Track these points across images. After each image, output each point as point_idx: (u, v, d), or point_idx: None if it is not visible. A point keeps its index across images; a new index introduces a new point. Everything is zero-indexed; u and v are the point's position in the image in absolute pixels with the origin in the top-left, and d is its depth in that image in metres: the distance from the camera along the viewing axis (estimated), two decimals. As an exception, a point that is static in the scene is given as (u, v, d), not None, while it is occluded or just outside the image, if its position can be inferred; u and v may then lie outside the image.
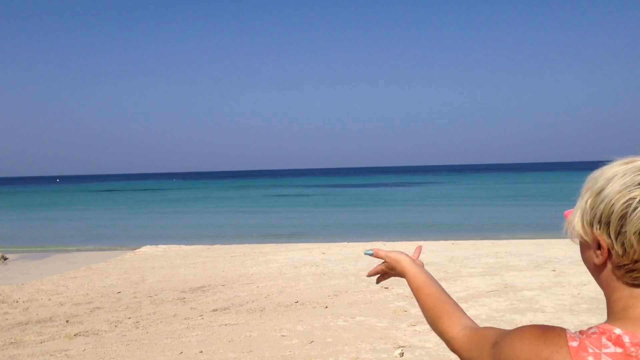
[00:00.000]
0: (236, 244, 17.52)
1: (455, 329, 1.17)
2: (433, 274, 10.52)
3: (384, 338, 6.33)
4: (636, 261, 0.89)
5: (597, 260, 0.94)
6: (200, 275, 11.34)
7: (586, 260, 0.99)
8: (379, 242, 16.15)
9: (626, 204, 0.88)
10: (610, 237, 0.90)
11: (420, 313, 7.56)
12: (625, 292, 0.91)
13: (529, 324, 1.02)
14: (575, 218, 0.97)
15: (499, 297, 8.19)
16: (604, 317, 1.02)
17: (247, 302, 8.56)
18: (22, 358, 6.20)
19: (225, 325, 7.22)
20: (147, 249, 16.31)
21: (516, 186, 56.50)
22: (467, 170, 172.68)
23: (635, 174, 0.90)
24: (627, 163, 0.93)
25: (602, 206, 0.91)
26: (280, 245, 16.52)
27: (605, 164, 0.96)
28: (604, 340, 0.88)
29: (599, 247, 0.93)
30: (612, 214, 0.90)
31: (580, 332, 0.92)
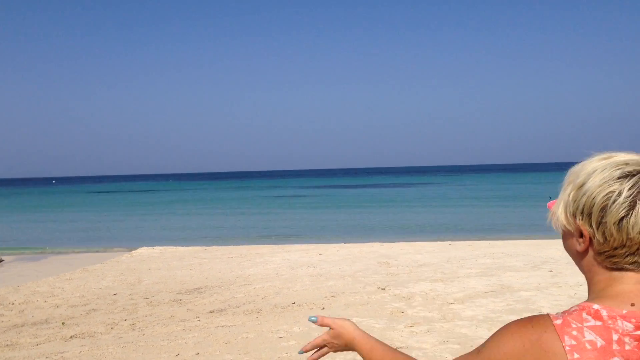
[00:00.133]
0: (233, 245, 17.49)
1: None
2: (430, 275, 10.51)
3: (381, 339, 6.30)
4: (615, 248, 0.99)
5: (580, 248, 1.04)
6: (197, 276, 11.31)
7: (568, 248, 1.09)
8: (376, 242, 16.16)
9: (606, 196, 0.99)
10: (592, 226, 1.01)
11: (418, 314, 7.55)
12: (604, 276, 1.02)
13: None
14: (559, 210, 1.07)
15: (495, 298, 8.20)
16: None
17: (243, 304, 8.54)
18: (18, 360, 6.17)
19: (222, 326, 7.20)
20: (143, 251, 16.27)
21: (513, 187, 56.63)
22: (465, 171, 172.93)
23: (614, 169, 1.00)
24: (605, 159, 1.03)
25: (584, 199, 1.02)
26: (277, 246, 16.50)
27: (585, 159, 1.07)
28: (584, 315, 0.98)
29: (581, 235, 1.03)
30: (593, 206, 1.00)
31: (563, 312, 1.02)
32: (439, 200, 41.60)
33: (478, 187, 61.41)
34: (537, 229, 19.44)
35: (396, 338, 6.34)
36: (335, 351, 1.42)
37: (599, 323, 0.97)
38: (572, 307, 1.03)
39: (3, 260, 15.50)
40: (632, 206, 0.97)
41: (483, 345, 1.06)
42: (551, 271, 10.06)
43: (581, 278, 9.12)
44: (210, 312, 8.12)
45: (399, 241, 16.55)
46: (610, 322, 0.96)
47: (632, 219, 0.97)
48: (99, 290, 10.21)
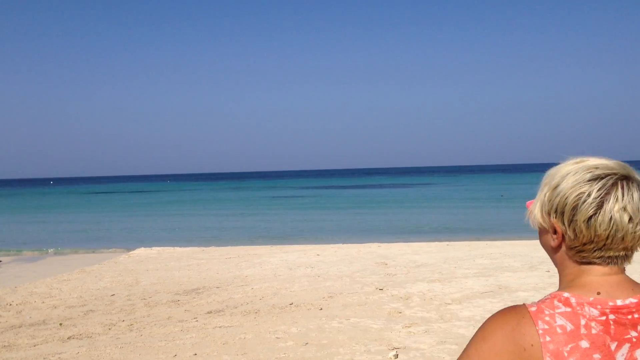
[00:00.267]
0: (231, 245, 17.48)
1: None
2: (428, 275, 10.50)
3: (379, 340, 6.33)
4: (585, 243, 1.11)
5: (554, 243, 1.16)
6: (195, 277, 11.31)
7: (544, 243, 1.21)
8: (374, 243, 16.17)
9: (577, 197, 1.10)
10: (564, 224, 1.12)
11: (416, 314, 7.57)
12: (575, 268, 1.14)
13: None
14: (536, 209, 1.19)
15: (493, 298, 8.21)
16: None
17: (241, 304, 8.54)
18: (15, 361, 6.16)
19: (220, 327, 7.20)
20: (141, 251, 16.26)
21: (511, 187, 56.69)
22: (463, 171, 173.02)
23: (585, 172, 1.12)
24: (578, 162, 1.15)
25: (557, 199, 1.13)
26: (274, 246, 16.50)
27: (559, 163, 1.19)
28: (555, 302, 1.09)
29: (555, 232, 1.15)
30: (566, 205, 1.11)
31: (538, 301, 1.13)
32: (437, 200, 41.64)
33: (475, 187, 61.48)
34: (536, 229, 19.46)
35: (394, 338, 6.35)
36: None
37: (568, 309, 1.08)
38: (545, 296, 1.13)
39: (1, 261, 15.48)
40: (599, 206, 1.08)
41: (470, 343, 1.13)
42: (549, 271, 10.08)
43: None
44: (208, 312, 8.12)
45: (396, 242, 16.56)
46: (578, 308, 1.08)
47: (600, 218, 1.08)
48: (97, 291, 10.20)
